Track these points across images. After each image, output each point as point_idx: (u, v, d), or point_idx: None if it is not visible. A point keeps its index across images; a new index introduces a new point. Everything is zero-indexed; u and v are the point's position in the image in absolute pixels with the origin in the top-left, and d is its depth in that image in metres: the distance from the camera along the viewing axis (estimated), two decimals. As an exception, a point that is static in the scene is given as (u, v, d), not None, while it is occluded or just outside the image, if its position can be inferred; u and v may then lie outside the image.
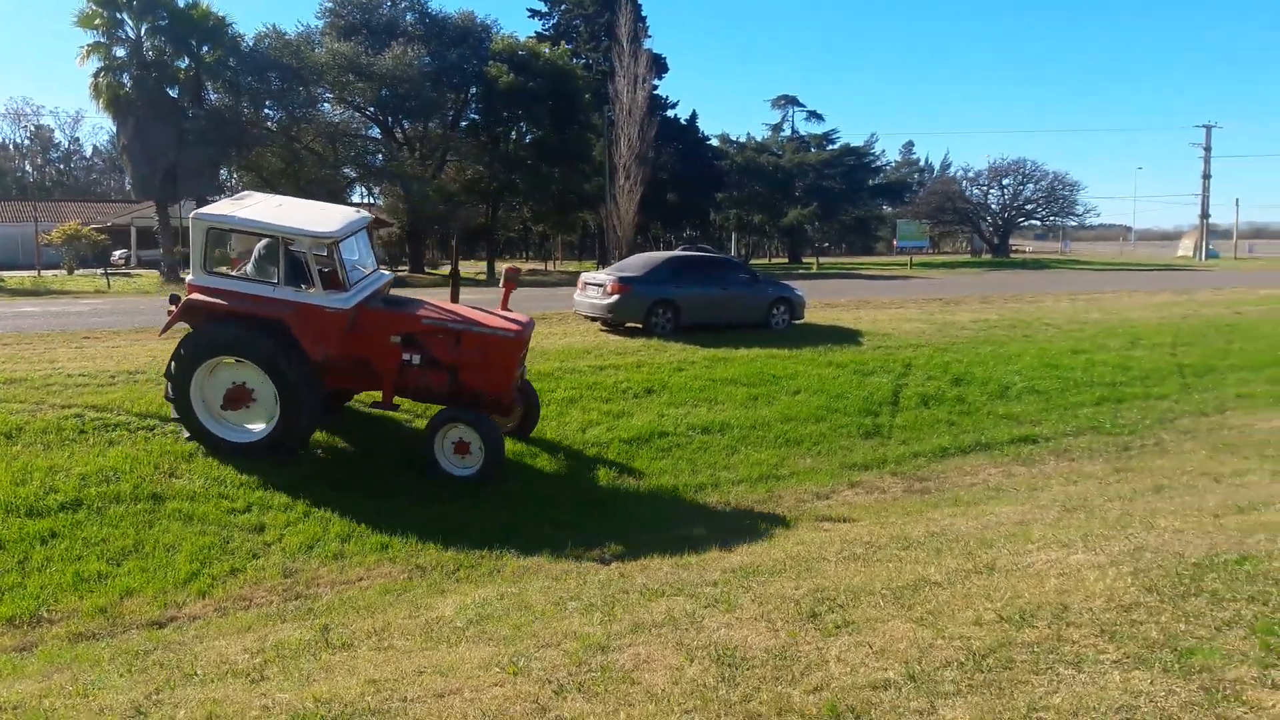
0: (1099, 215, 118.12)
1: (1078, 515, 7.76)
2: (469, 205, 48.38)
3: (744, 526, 9.04)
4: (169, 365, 9.44)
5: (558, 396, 12.51)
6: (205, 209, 9.70)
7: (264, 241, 9.62)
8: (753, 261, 67.94)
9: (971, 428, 12.88)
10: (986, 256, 67.46)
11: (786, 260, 67.51)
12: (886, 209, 76.41)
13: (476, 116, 46.91)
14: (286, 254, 9.31)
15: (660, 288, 17.11)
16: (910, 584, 5.60)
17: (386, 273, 11.30)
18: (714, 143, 64.94)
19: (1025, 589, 5.13)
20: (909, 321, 20.01)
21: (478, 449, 9.61)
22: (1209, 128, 73.74)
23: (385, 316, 9.96)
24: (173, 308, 9.67)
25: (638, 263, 18.23)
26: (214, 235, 9.65)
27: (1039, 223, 74.94)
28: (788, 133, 73.05)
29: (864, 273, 43.13)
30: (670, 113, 58.90)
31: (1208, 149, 73.77)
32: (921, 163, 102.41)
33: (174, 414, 9.67)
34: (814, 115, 74.85)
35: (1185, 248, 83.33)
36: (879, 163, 76.15)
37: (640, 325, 17.00)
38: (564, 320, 18.80)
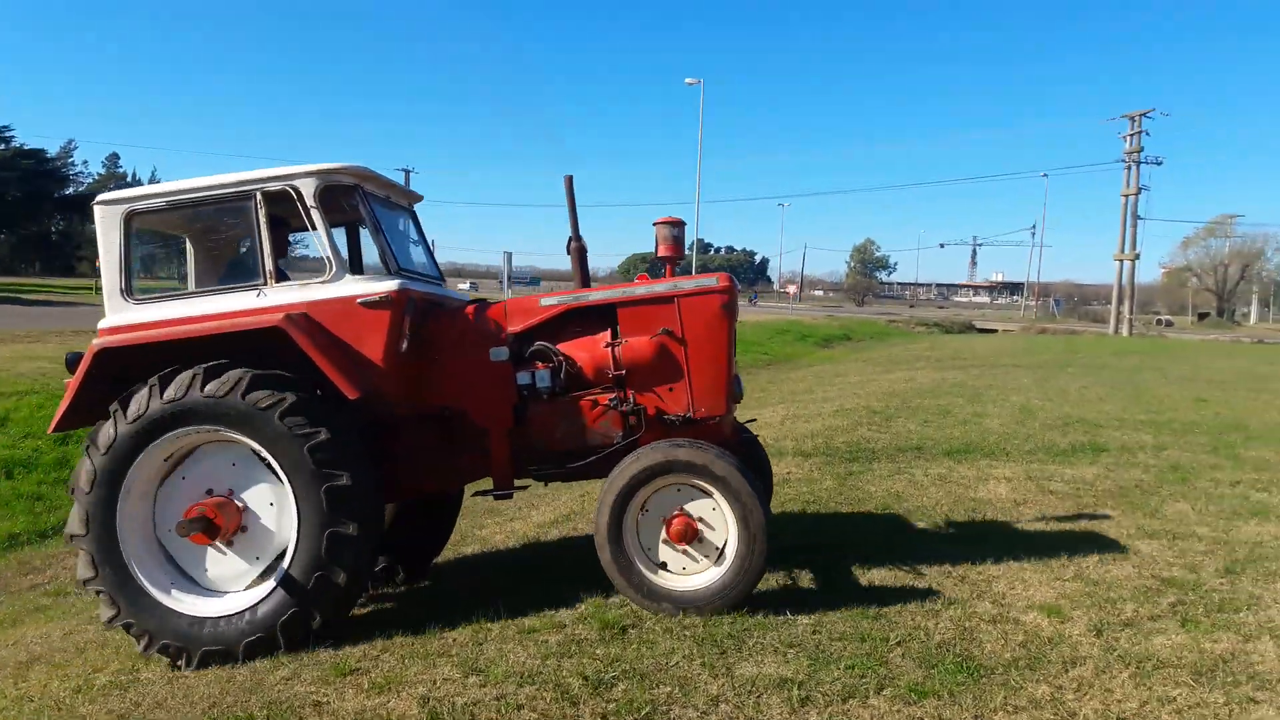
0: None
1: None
2: None
3: None
4: (73, 475, 4.92)
5: None
6: (114, 191, 5.38)
7: (226, 228, 5.60)
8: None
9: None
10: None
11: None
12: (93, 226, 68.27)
13: None
14: (272, 227, 5.04)
15: None
16: None
17: (467, 296, 6.50)
18: None
19: None
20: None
21: (724, 532, 4.76)
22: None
23: (475, 319, 5.50)
24: (71, 376, 4.99)
25: None
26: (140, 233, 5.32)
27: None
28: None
29: (27, 298, 36.68)
30: None
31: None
32: (129, 177, 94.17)
33: (83, 573, 4.81)
34: (-22, 109, 63.16)
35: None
36: (73, 172, 67.84)
37: None
38: None
